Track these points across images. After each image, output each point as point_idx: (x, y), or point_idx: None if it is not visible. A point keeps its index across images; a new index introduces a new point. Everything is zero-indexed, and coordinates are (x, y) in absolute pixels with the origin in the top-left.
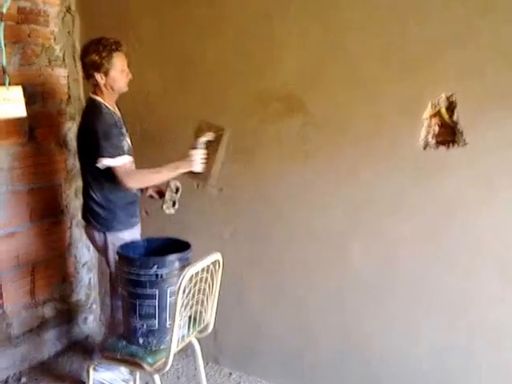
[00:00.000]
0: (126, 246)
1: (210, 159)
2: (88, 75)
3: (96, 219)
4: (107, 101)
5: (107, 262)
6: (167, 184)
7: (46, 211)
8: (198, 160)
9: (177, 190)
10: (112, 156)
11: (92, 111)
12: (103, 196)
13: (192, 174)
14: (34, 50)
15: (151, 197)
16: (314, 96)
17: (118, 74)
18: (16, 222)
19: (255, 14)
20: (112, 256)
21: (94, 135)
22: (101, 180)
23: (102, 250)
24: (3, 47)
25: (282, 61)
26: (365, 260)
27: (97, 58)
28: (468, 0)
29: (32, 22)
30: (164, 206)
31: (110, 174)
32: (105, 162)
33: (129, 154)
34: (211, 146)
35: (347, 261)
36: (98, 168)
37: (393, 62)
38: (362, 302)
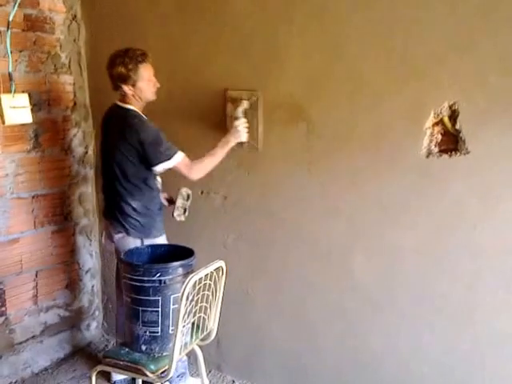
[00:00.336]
0: (130, 253)
1: (251, 125)
2: (116, 86)
3: (134, 227)
4: (138, 109)
5: None
6: (178, 191)
7: (49, 217)
8: (243, 130)
9: (188, 197)
10: (170, 157)
11: (133, 121)
12: (143, 203)
13: (239, 144)
14: (39, 57)
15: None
16: (318, 105)
17: (145, 84)
18: (20, 228)
19: (259, 26)
20: None
21: (145, 144)
22: (142, 188)
23: None
24: (10, 55)
25: (285, 71)
26: (367, 270)
27: (124, 70)
28: (471, 9)
29: (38, 29)
30: (175, 214)
31: (151, 181)
32: (165, 166)
33: None
34: (249, 113)
35: (350, 270)
36: (141, 175)
37: (395, 71)
38: (364, 312)
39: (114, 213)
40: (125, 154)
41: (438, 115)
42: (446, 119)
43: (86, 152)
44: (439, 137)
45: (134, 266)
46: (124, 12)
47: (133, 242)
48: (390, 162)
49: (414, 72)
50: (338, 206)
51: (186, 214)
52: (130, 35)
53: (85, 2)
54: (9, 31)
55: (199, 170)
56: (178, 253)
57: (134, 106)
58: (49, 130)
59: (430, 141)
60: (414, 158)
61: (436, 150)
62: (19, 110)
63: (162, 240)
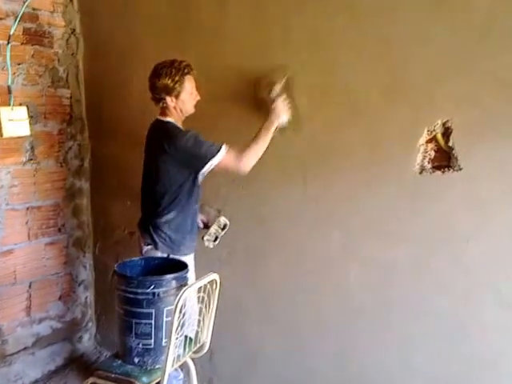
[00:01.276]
0: (123, 265)
1: (290, 103)
2: (159, 98)
3: (164, 240)
4: (176, 122)
5: None
6: (216, 218)
7: (43, 229)
8: (284, 108)
9: (224, 226)
10: (215, 153)
11: (170, 131)
12: (177, 218)
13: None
14: (37, 70)
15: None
16: (314, 121)
17: (188, 96)
18: (13, 240)
19: (257, 42)
20: None
21: (186, 150)
22: (178, 201)
23: None
24: (9, 68)
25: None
26: (361, 285)
27: (169, 81)
28: (469, 30)
29: (37, 43)
30: (205, 237)
31: (189, 193)
32: (213, 163)
33: None
34: (283, 92)
35: (343, 285)
36: (180, 188)
37: (391, 88)
38: (357, 328)
39: (146, 225)
40: (165, 165)
41: (432, 132)
42: (440, 136)
43: (82, 165)
44: (432, 153)
45: (127, 278)
46: (122, 27)
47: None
48: (384, 177)
49: (410, 89)
50: (333, 221)
51: (216, 242)
52: (128, 50)
53: (84, 17)
54: (9, 45)
55: (249, 159)
56: (172, 265)
57: (173, 119)
58: (45, 143)
59: (424, 157)
60: (408, 174)
61: (429, 166)
62: (17, 122)
63: (189, 259)
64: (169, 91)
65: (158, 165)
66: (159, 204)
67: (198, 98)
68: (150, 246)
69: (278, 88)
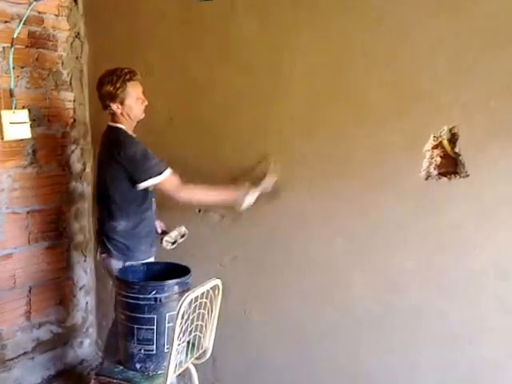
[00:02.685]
0: (125, 270)
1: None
2: (105, 105)
3: (117, 248)
4: (127, 128)
5: None
6: (177, 226)
7: (44, 233)
8: (248, 203)
9: (183, 235)
10: (158, 173)
11: (120, 139)
12: (129, 225)
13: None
14: (40, 73)
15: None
16: (319, 126)
17: (134, 102)
18: (14, 243)
19: (263, 47)
20: None
21: (132, 160)
22: (131, 208)
23: None
24: (12, 71)
25: (288, 93)
26: (366, 291)
27: (112, 88)
28: (475, 34)
29: (40, 46)
30: (165, 238)
31: (144, 201)
32: (153, 181)
33: None
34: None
35: (348, 291)
36: (128, 195)
37: (398, 93)
38: (362, 334)
39: (100, 233)
40: (113, 172)
41: (438, 138)
42: (446, 142)
43: (84, 169)
44: (438, 159)
45: (129, 284)
46: (127, 31)
47: (115, 264)
48: (390, 183)
49: (416, 94)
50: (338, 227)
51: (173, 246)
52: (133, 54)
53: (88, 20)
54: (12, 48)
55: (189, 196)
56: (174, 270)
57: (123, 125)
58: (47, 146)
59: (430, 163)
60: (414, 180)
61: (435, 172)
62: (19, 125)
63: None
64: (112, 98)
65: (106, 171)
66: (110, 212)
67: (146, 103)
68: (104, 254)
69: (263, 185)
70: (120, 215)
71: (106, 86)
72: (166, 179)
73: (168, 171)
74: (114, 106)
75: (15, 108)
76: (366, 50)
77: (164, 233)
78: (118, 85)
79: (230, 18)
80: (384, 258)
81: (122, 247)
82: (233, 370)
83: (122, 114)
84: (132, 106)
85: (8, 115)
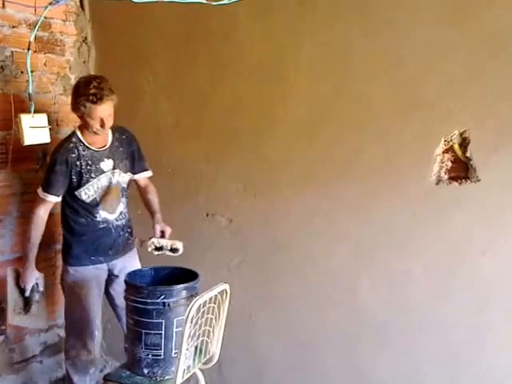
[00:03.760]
0: (134, 274)
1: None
2: (71, 108)
3: (64, 253)
4: (85, 135)
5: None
6: (178, 241)
7: (54, 237)
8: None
9: (175, 249)
10: (44, 189)
11: (60, 142)
12: (71, 226)
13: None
14: (49, 78)
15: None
16: (325, 130)
17: (91, 120)
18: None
19: (266, 54)
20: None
21: (48, 164)
22: (67, 216)
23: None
24: (30, 75)
25: (292, 99)
26: (373, 296)
27: (74, 99)
28: (482, 37)
29: (48, 51)
30: (152, 240)
31: (73, 207)
32: (38, 190)
33: (95, 192)
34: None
35: (355, 297)
36: (65, 203)
37: (406, 98)
38: (368, 339)
39: None
40: None
41: (449, 142)
42: (457, 146)
43: None
44: (449, 164)
45: (137, 288)
46: (133, 36)
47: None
48: (399, 187)
49: (425, 98)
50: (345, 231)
51: (157, 253)
52: (139, 59)
53: (95, 26)
54: (29, 52)
55: (31, 222)
56: (182, 275)
57: (79, 130)
58: None
59: (440, 168)
60: (424, 184)
61: (446, 177)
62: (38, 129)
63: (88, 270)
64: (73, 108)
65: None
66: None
67: (111, 122)
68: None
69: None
70: (64, 222)
71: (73, 94)
72: (40, 197)
73: (41, 191)
74: (76, 115)
75: (34, 112)
76: (373, 57)
77: (162, 236)
78: (80, 99)
79: (233, 26)
80: (392, 264)
81: (66, 252)
82: (238, 374)
83: (80, 120)
84: (88, 123)
85: (28, 119)
